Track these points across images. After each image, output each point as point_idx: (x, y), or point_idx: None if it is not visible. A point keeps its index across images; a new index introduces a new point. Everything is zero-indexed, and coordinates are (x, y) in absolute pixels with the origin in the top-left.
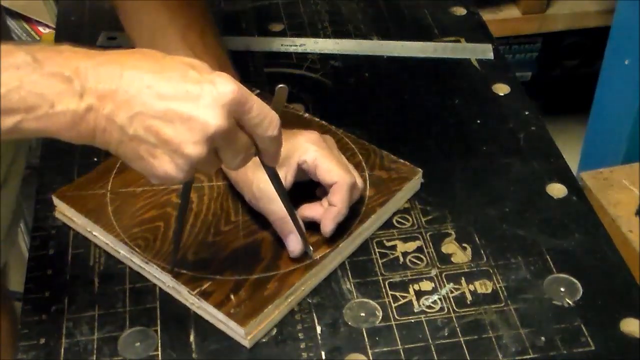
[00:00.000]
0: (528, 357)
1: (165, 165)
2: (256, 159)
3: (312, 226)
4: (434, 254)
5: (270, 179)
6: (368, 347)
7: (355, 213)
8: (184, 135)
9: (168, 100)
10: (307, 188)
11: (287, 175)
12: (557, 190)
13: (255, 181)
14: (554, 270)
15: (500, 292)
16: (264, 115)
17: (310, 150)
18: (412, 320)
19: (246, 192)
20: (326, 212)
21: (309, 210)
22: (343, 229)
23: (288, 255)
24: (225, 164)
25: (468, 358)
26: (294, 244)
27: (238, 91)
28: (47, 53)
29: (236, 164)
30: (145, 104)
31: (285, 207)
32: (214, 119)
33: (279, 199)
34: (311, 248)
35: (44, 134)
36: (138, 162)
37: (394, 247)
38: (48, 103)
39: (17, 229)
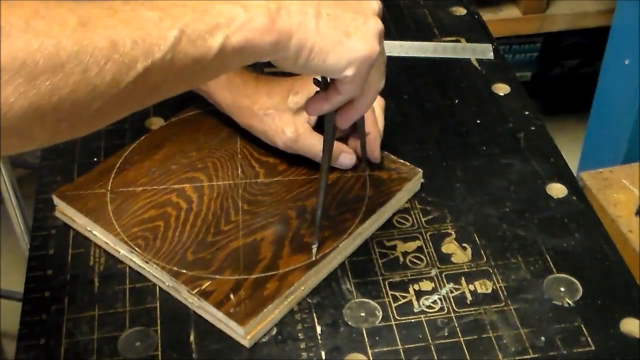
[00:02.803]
0: (528, 357)
1: (361, 41)
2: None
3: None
4: (434, 254)
5: (327, 120)
6: (368, 347)
7: (355, 213)
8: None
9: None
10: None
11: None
12: (557, 190)
13: (283, 126)
14: (554, 270)
15: (500, 292)
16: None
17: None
18: (412, 320)
19: (278, 140)
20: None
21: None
22: (343, 229)
23: (288, 255)
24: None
25: (468, 358)
26: (347, 159)
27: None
28: None
29: (381, 85)
30: None
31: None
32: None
33: (314, 133)
34: (316, 244)
35: (248, 50)
36: (338, 48)
37: (394, 247)
38: (242, 9)
39: None
